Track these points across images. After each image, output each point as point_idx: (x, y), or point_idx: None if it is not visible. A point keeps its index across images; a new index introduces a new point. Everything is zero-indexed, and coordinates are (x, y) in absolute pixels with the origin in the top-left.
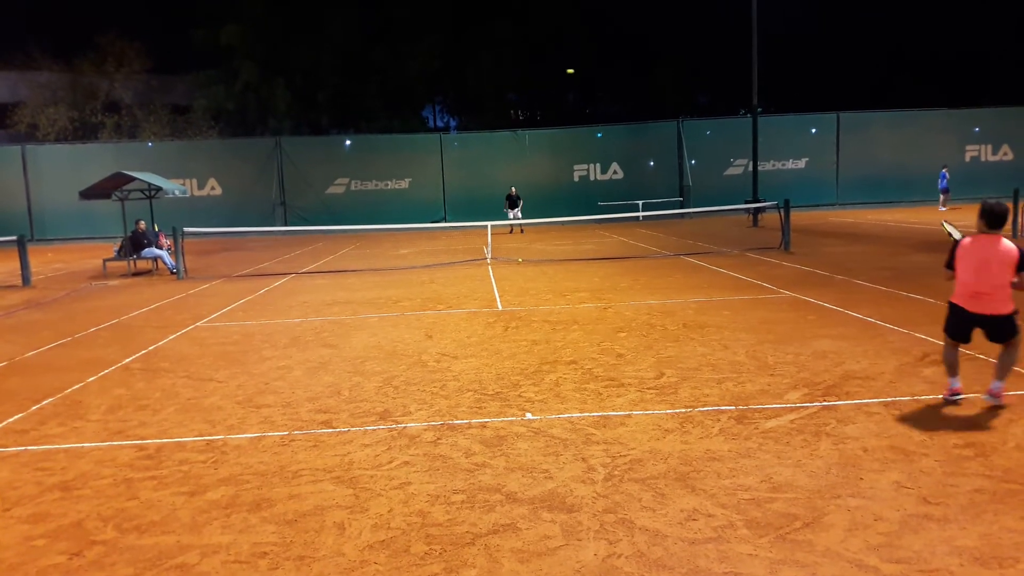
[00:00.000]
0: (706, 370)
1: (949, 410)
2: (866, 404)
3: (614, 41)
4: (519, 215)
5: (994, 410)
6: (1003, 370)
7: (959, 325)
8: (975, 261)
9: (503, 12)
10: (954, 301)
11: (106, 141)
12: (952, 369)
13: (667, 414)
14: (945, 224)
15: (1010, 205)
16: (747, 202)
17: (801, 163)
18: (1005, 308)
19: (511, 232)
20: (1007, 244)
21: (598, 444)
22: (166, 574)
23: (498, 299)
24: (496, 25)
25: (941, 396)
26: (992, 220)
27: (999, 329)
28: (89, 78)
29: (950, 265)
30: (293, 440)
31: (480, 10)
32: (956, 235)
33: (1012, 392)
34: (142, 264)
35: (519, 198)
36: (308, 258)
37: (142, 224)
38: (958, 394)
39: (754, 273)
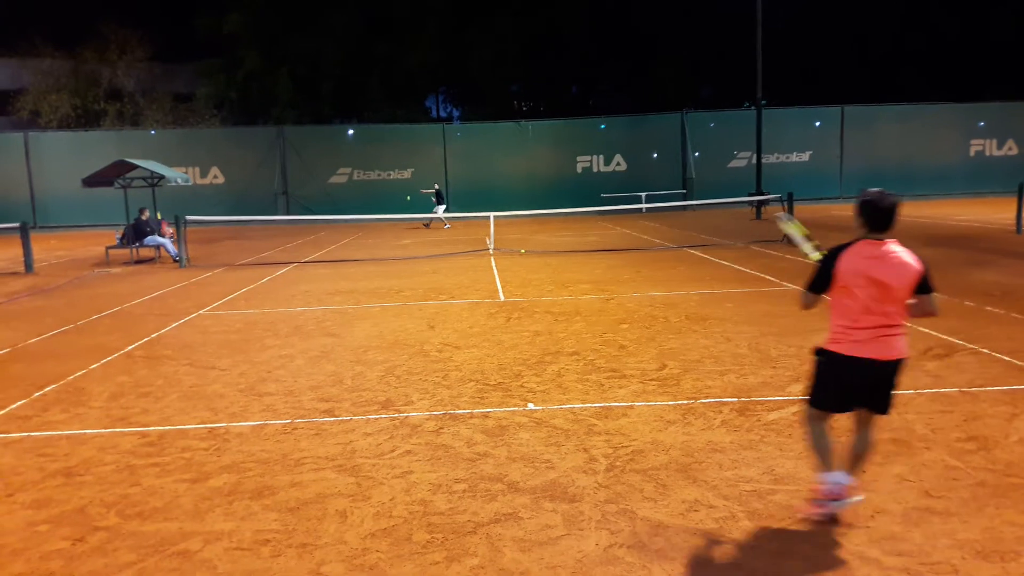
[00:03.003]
0: (708, 362)
1: (951, 404)
2: None
3: (618, 33)
4: (439, 211)
5: (974, 419)
6: (861, 460)
7: (843, 386)
8: (872, 280)
9: (506, 3)
10: (837, 350)
11: (108, 129)
12: (827, 458)
13: (669, 405)
14: (784, 220)
15: (976, 203)
16: (751, 195)
17: (805, 156)
18: (906, 349)
19: (427, 226)
20: (905, 254)
21: (600, 435)
22: (168, 560)
23: (500, 290)
24: (499, 17)
25: (810, 512)
26: (879, 219)
27: (890, 383)
28: (91, 65)
29: (821, 287)
30: (295, 428)
31: (483, 1)
32: (798, 241)
33: (1015, 387)
34: (145, 252)
35: (441, 193)
36: (310, 247)
37: (146, 212)
38: (842, 499)
39: (757, 266)
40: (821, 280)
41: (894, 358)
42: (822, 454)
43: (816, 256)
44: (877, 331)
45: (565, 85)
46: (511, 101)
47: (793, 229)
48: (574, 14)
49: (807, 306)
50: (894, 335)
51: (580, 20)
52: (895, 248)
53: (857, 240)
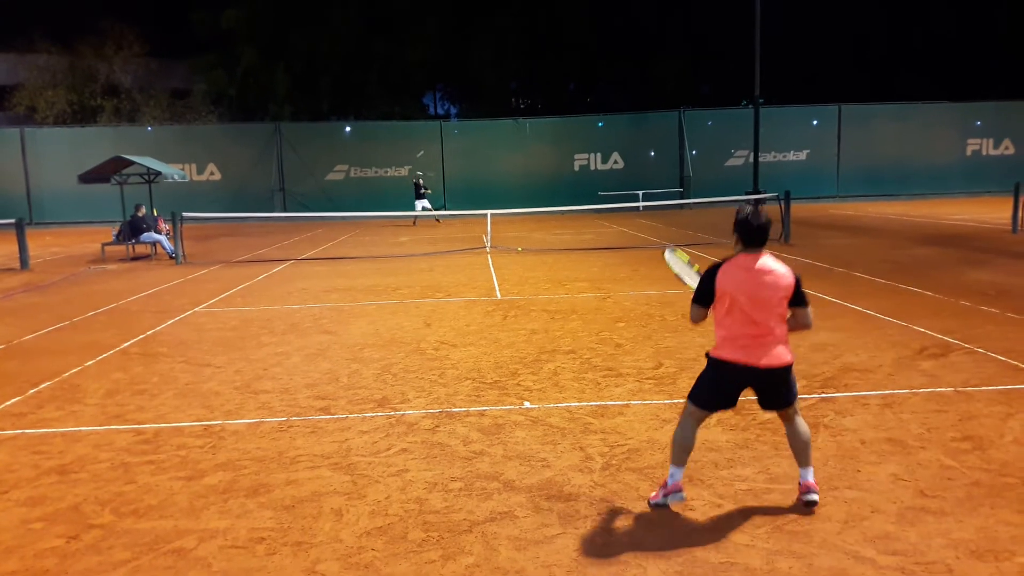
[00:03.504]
0: (704, 360)
1: (946, 403)
2: (864, 396)
3: (616, 30)
4: (428, 205)
5: (969, 419)
6: (807, 450)
7: (722, 388)
8: (746, 292)
9: (505, 1)
10: (717, 355)
11: (105, 125)
12: (682, 455)
13: (665, 404)
14: (671, 254)
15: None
16: (747, 193)
17: (802, 155)
18: (786, 356)
19: (415, 224)
20: (778, 267)
21: (596, 433)
22: (163, 558)
23: (497, 288)
24: (498, 13)
25: (650, 498)
26: (751, 235)
27: (778, 387)
28: (88, 61)
29: (705, 300)
30: (291, 426)
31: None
32: (682, 273)
33: (1010, 387)
34: (141, 249)
35: (426, 188)
36: (307, 245)
37: (142, 209)
38: (678, 492)
39: None
40: (703, 293)
41: (773, 365)
42: (681, 449)
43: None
44: (754, 339)
45: (563, 83)
46: (509, 98)
47: (676, 259)
48: (574, 12)
49: (695, 319)
50: (771, 343)
51: (580, 18)
52: (768, 261)
53: (734, 255)
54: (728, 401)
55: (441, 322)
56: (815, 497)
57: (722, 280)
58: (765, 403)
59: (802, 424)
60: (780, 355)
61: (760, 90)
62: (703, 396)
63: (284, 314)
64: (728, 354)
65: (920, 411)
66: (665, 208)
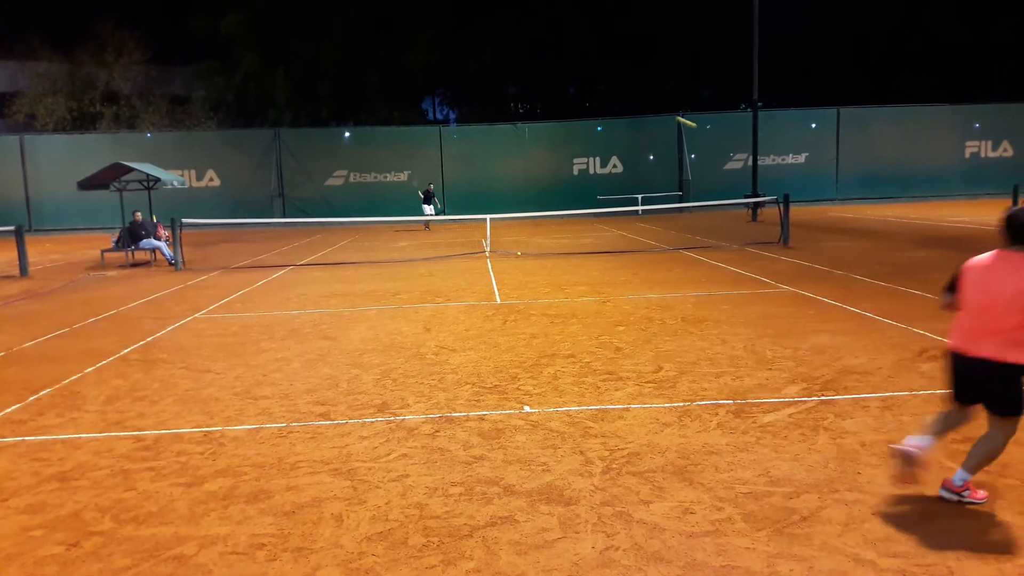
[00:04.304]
0: (704, 364)
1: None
2: (864, 399)
3: (615, 34)
4: (432, 212)
5: None
6: (976, 458)
7: (953, 376)
8: (982, 284)
9: (504, 4)
10: (951, 345)
11: (104, 131)
12: (932, 426)
13: (665, 408)
14: None
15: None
16: (747, 196)
17: (801, 158)
18: (1007, 354)
19: (428, 228)
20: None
21: (596, 437)
22: (163, 565)
23: (496, 292)
24: (497, 18)
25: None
26: (1014, 231)
27: (990, 382)
28: (88, 68)
29: (951, 287)
30: (291, 432)
31: (481, 2)
32: None
33: None
34: (140, 255)
35: (432, 195)
36: (306, 250)
37: (139, 215)
38: (914, 445)
39: (753, 268)
40: (951, 280)
41: (983, 356)
42: (934, 422)
43: None
44: (976, 331)
45: (563, 87)
46: (508, 103)
47: None
48: (573, 15)
49: (941, 305)
50: (992, 336)
51: (579, 21)
52: (1021, 262)
53: (994, 250)
54: (961, 393)
55: (441, 327)
56: (960, 499)
57: (967, 268)
58: (987, 402)
59: (1000, 439)
60: (997, 350)
61: (759, 93)
62: (949, 385)
63: (284, 320)
64: (952, 340)
65: (920, 413)
66: (664, 212)
